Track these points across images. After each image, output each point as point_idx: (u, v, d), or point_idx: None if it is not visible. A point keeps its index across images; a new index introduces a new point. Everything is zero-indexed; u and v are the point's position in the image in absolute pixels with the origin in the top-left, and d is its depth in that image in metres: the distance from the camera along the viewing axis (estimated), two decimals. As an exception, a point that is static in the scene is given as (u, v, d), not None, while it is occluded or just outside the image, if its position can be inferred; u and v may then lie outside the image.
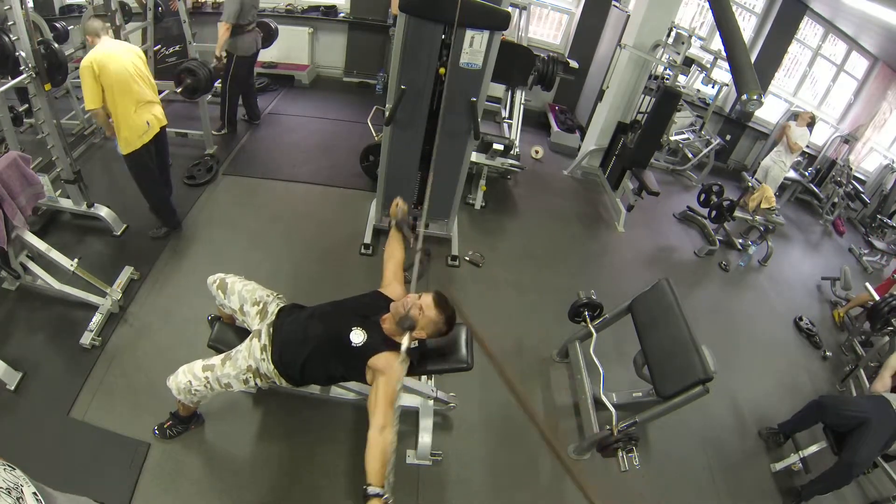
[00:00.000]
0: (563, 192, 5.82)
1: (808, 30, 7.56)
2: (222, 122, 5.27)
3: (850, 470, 2.91)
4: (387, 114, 3.31)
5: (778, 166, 6.31)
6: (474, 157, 4.61)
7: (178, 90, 4.36)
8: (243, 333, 2.38)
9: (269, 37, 5.52)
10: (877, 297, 4.46)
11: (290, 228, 4.14)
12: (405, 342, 1.89)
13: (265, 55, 5.75)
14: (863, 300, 4.99)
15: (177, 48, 5.63)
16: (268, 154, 5.10)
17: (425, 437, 2.72)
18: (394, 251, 2.50)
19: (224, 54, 4.78)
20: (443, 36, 3.08)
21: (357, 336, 2.06)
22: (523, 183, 5.66)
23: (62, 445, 2.45)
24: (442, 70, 3.21)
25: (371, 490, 1.61)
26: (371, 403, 1.88)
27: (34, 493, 1.20)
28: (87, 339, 2.88)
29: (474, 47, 3.09)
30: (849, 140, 7.60)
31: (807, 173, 7.45)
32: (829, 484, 3.01)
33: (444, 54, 3.14)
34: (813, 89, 8.13)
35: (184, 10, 4.57)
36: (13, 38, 2.85)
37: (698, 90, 7.35)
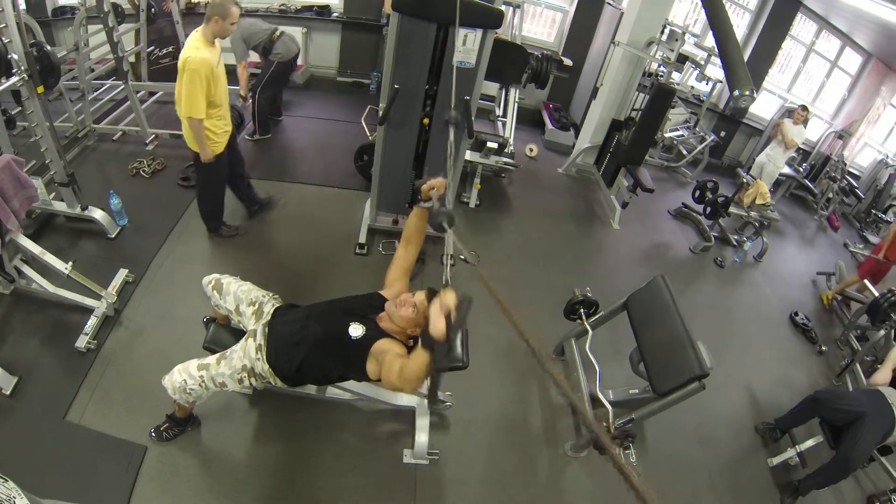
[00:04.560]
0: (557, 189, 5.82)
1: (802, 26, 7.58)
2: (255, 128, 5.19)
3: (847, 464, 2.93)
4: (380, 113, 3.31)
5: (772, 162, 6.34)
6: (469, 155, 4.61)
7: None
8: (238, 335, 2.38)
9: None
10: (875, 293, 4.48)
11: (285, 229, 4.13)
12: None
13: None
14: (849, 283, 5.12)
15: (170, 49, 5.63)
16: (262, 155, 5.08)
17: (422, 437, 2.72)
18: (411, 237, 2.31)
19: (249, 94, 4.82)
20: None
21: (356, 330, 2.07)
22: (518, 181, 5.66)
23: (59, 449, 2.44)
24: (426, 120, 3.36)
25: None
26: (386, 369, 1.87)
27: None
28: (82, 342, 2.87)
29: (468, 45, 3.09)
30: (843, 136, 7.63)
31: (801, 169, 7.48)
32: (826, 478, 3.02)
33: (437, 55, 3.15)
34: (807, 85, 8.15)
35: (177, 12, 4.57)
36: (5, 41, 2.83)
37: (692, 87, 7.38)
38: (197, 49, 2.97)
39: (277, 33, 4.77)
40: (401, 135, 3.50)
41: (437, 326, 1.52)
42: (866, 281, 4.82)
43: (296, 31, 6.60)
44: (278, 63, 4.79)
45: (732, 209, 5.48)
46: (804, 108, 6.19)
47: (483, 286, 1.40)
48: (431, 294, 2.08)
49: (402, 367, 1.76)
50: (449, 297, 1.54)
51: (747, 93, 3.44)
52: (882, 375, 3.28)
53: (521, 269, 4.34)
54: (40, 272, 3.05)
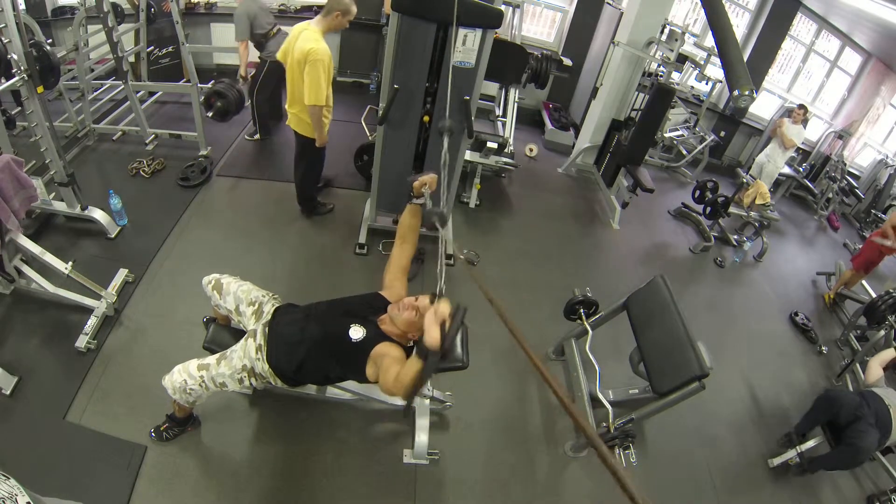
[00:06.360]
0: (557, 189, 5.83)
1: (802, 26, 7.59)
2: (255, 128, 5.18)
3: (857, 453, 2.94)
4: (380, 113, 3.31)
5: (772, 162, 6.35)
6: (468, 155, 4.61)
7: (210, 114, 4.37)
8: (238, 335, 2.38)
9: None
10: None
11: (285, 229, 4.14)
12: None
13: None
14: (846, 278, 5.15)
15: (170, 49, 5.63)
16: (261, 154, 5.08)
17: (422, 437, 2.71)
18: (406, 235, 2.32)
19: (249, 73, 4.80)
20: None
21: (356, 332, 2.06)
22: (518, 181, 5.66)
23: (59, 449, 2.44)
24: (426, 118, 3.39)
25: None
26: (383, 374, 1.84)
27: (28, 503, 1.21)
28: (82, 342, 2.87)
29: (467, 45, 3.09)
30: (843, 136, 7.63)
31: (801, 169, 7.48)
32: (835, 462, 3.06)
33: (437, 54, 3.15)
34: (807, 85, 8.16)
35: (176, 12, 4.55)
36: (5, 41, 2.83)
37: (692, 87, 7.38)
38: (317, 41, 3.20)
39: (275, 30, 4.76)
40: (400, 135, 3.50)
41: (432, 335, 1.52)
42: (864, 282, 4.83)
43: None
44: (270, 62, 4.77)
45: (732, 209, 5.48)
46: (803, 107, 6.20)
47: (478, 287, 1.40)
48: (434, 300, 2.07)
49: (398, 373, 1.75)
50: (444, 307, 1.55)
51: (747, 93, 3.44)
52: (872, 375, 3.29)
53: (520, 268, 4.34)
54: (40, 272, 3.04)
